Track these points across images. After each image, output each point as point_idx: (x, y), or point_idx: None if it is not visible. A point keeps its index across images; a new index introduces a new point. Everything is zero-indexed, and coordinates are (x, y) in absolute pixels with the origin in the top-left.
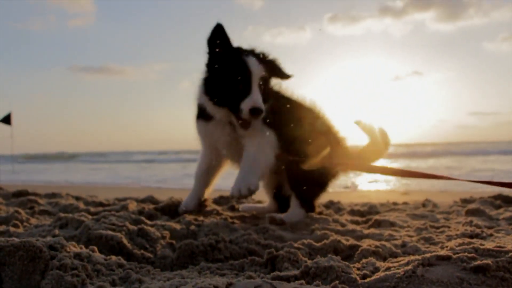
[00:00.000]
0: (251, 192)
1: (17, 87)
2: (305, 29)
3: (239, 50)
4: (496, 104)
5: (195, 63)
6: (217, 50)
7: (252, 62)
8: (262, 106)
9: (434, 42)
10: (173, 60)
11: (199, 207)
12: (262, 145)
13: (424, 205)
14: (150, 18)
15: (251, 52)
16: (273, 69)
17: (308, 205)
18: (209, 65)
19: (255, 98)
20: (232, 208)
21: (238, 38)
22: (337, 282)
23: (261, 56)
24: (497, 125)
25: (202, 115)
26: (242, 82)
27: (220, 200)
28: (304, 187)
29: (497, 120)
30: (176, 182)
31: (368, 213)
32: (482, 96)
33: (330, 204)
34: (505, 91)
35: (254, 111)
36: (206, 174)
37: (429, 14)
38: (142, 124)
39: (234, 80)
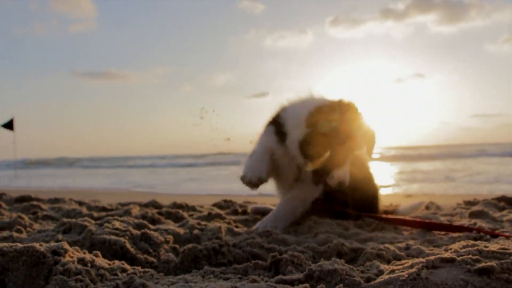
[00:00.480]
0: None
1: (19, 92)
2: (307, 32)
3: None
4: (498, 105)
5: (197, 67)
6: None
7: (357, 135)
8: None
9: (435, 44)
10: (175, 64)
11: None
12: (304, 195)
13: (427, 207)
14: (152, 23)
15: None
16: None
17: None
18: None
19: (346, 172)
20: (235, 212)
21: (240, 42)
22: (341, 285)
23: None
24: (500, 127)
25: (279, 132)
26: (341, 153)
27: (223, 204)
28: None
29: (500, 122)
30: (179, 187)
31: None
32: (484, 98)
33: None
34: (508, 92)
35: (341, 185)
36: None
37: (430, 16)
38: (144, 129)
39: (337, 150)
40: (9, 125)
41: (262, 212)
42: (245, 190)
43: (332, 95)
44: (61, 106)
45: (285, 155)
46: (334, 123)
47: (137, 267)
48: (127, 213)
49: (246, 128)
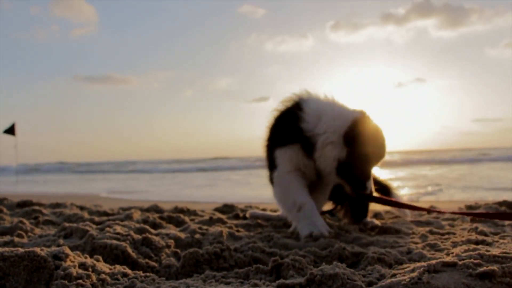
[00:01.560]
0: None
1: (20, 97)
2: (308, 37)
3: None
4: (499, 110)
5: (198, 72)
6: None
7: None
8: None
9: (436, 48)
10: (176, 68)
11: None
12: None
13: (428, 212)
14: (153, 27)
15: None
16: None
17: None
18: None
19: (372, 184)
20: (237, 217)
21: (241, 46)
22: None
23: None
24: (501, 131)
25: (306, 146)
26: (374, 165)
27: (224, 209)
28: None
29: (501, 126)
30: (180, 192)
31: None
32: (485, 103)
33: (335, 212)
34: (509, 97)
35: (370, 198)
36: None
37: (431, 21)
38: (145, 133)
39: (371, 163)
40: (10, 130)
41: (260, 218)
42: (246, 196)
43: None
44: (62, 110)
45: (312, 168)
46: (374, 141)
47: (138, 272)
48: (129, 217)
49: (247, 132)
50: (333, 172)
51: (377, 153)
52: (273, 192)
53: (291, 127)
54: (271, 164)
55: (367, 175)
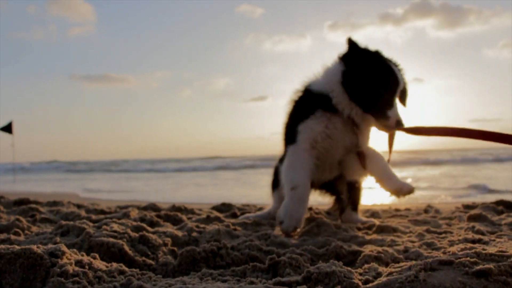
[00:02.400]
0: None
1: (18, 96)
2: (306, 37)
3: (384, 58)
4: (497, 111)
5: (196, 71)
6: (363, 50)
7: (400, 74)
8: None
9: (434, 49)
10: (174, 68)
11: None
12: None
13: (426, 211)
14: (151, 26)
15: (395, 63)
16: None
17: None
18: (353, 63)
19: (398, 111)
20: (234, 215)
21: (239, 46)
22: (339, 287)
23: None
24: (499, 131)
25: (325, 105)
26: (389, 92)
27: (221, 208)
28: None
29: (498, 127)
30: (177, 192)
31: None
32: (483, 103)
33: (332, 212)
34: (506, 97)
35: (399, 123)
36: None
37: (429, 21)
38: (143, 132)
39: (384, 88)
40: (7, 128)
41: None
42: (244, 195)
43: None
44: (59, 109)
45: (338, 127)
46: (379, 64)
47: (135, 270)
48: (126, 215)
49: (245, 132)
50: (346, 98)
51: (383, 76)
52: (283, 164)
53: (315, 102)
54: (289, 139)
55: (383, 101)
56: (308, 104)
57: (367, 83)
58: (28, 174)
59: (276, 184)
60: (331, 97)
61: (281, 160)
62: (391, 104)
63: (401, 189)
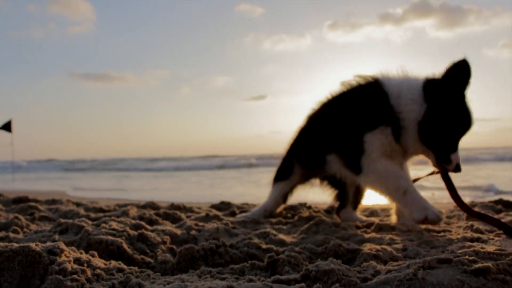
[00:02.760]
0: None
1: (17, 94)
2: (306, 36)
3: (466, 96)
4: (496, 110)
5: (195, 70)
6: (455, 91)
7: (473, 116)
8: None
9: (434, 48)
10: (173, 67)
11: None
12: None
13: None
14: (150, 25)
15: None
16: None
17: None
18: (437, 100)
19: (459, 156)
20: (233, 214)
21: (239, 45)
22: (337, 285)
23: None
24: (498, 131)
25: (391, 123)
26: (461, 135)
27: (220, 206)
28: None
29: (497, 126)
30: (176, 191)
31: (369, 217)
32: (482, 103)
33: (331, 209)
34: (505, 97)
35: (458, 168)
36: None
37: (429, 21)
38: (142, 131)
39: (459, 131)
40: (7, 127)
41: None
42: (243, 194)
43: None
44: (59, 108)
45: (399, 153)
46: (459, 104)
47: (133, 268)
48: (125, 214)
49: (244, 131)
50: (415, 136)
51: (463, 119)
52: (366, 179)
53: (380, 108)
54: (355, 149)
55: (451, 144)
56: (376, 113)
57: (445, 124)
58: (26, 173)
59: (282, 176)
60: (401, 118)
61: (294, 152)
62: (456, 147)
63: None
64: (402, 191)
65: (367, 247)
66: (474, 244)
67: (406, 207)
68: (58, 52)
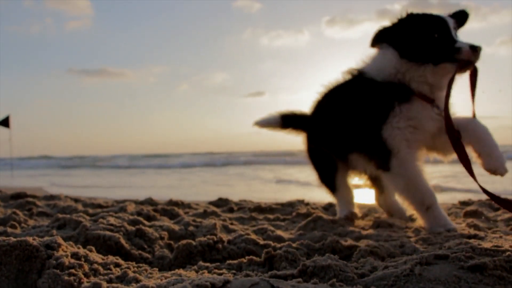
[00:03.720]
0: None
1: (15, 90)
2: (303, 32)
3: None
4: (495, 108)
5: (193, 66)
6: (410, 15)
7: (442, 15)
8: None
9: None
10: (171, 63)
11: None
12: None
13: None
14: (148, 21)
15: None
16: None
17: None
18: (403, 29)
19: (465, 43)
20: (231, 210)
21: (236, 41)
22: (334, 280)
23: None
24: (496, 129)
25: (399, 94)
26: (442, 33)
27: (218, 202)
28: None
29: (495, 124)
30: (173, 187)
31: (366, 214)
32: (480, 100)
33: (328, 206)
34: (503, 95)
35: (475, 48)
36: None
37: None
38: (140, 127)
39: (435, 32)
40: (5, 123)
41: None
42: (240, 191)
43: None
44: (56, 103)
45: (421, 105)
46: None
47: (131, 263)
48: (123, 209)
49: (243, 127)
50: (408, 66)
51: (429, 23)
52: (394, 182)
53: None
54: (379, 147)
55: (442, 42)
56: (378, 99)
57: (417, 36)
58: (19, 169)
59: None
60: (404, 80)
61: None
62: (452, 40)
63: (495, 170)
64: (425, 207)
65: (364, 244)
66: (471, 240)
67: (425, 222)
68: (55, 47)
